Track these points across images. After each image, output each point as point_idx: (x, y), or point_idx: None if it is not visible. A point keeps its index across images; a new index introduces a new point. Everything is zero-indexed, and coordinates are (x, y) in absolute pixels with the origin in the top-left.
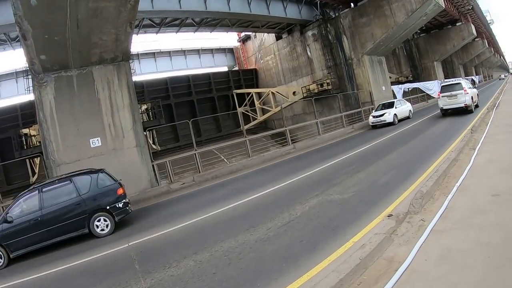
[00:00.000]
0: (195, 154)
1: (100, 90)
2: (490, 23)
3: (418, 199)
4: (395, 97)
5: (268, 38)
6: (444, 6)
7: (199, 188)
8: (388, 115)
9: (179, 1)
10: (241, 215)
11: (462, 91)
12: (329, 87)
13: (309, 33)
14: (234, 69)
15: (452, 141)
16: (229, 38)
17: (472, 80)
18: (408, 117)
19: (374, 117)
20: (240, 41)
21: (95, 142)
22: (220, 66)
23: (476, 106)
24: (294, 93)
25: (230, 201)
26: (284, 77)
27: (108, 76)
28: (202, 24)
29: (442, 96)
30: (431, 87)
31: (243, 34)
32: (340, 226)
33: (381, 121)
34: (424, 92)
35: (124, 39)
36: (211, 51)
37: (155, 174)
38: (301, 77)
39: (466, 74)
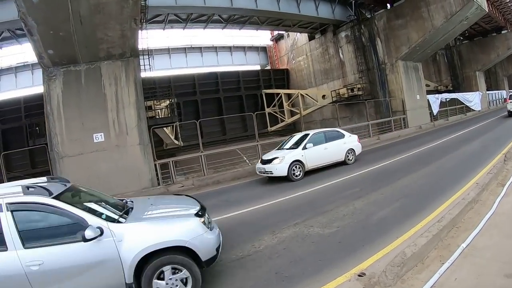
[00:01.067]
0: (200, 156)
1: (107, 86)
2: None
3: (395, 267)
4: (430, 108)
5: (301, 38)
6: (487, 10)
7: (195, 193)
8: (279, 164)
9: None
10: None
11: None
12: (360, 92)
13: (342, 34)
14: (266, 68)
15: (480, 169)
16: (262, 37)
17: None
18: (343, 162)
19: (262, 162)
20: (273, 40)
21: (98, 137)
22: (252, 64)
23: None
24: (323, 96)
25: (213, 214)
26: (315, 79)
27: (115, 72)
28: (230, 21)
29: (510, 102)
30: (471, 98)
31: (276, 33)
32: (294, 277)
33: (266, 172)
34: (463, 104)
35: (130, 35)
36: (243, 48)
37: (157, 174)
38: (332, 80)
39: (511, 87)
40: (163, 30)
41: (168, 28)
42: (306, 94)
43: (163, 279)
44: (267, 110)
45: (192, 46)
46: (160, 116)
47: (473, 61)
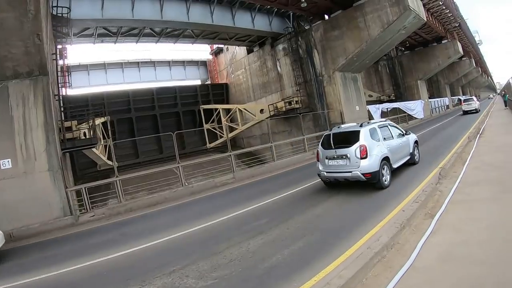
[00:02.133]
0: (116, 181)
1: (15, 107)
2: (478, 43)
3: None
4: (371, 118)
5: (239, 51)
6: (425, 20)
7: (103, 224)
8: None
9: (132, 10)
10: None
11: (475, 100)
12: (298, 105)
13: (280, 46)
14: (206, 83)
15: (409, 190)
16: (202, 51)
17: (459, 99)
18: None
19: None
20: (212, 54)
21: (6, 163)
22: (192, 79)
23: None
24: (261, 111)
25: (103, 252)
26: (254, 93)
27: (23, 92)
28: (163, 35)
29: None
30: (414, 107)
31: (215, 46)
32: None
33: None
34: (405, 112)
35: (35, 52)
36: (183, 63)
37: (69, 202)
38: (271, 93)
39: (453, 94)
40: (94, 44)
41: (98, 42)
42: (244, 109)
43: None
44: (206, 126)
45: (129, 61)
46: (88, 137)
47: (415, 70)
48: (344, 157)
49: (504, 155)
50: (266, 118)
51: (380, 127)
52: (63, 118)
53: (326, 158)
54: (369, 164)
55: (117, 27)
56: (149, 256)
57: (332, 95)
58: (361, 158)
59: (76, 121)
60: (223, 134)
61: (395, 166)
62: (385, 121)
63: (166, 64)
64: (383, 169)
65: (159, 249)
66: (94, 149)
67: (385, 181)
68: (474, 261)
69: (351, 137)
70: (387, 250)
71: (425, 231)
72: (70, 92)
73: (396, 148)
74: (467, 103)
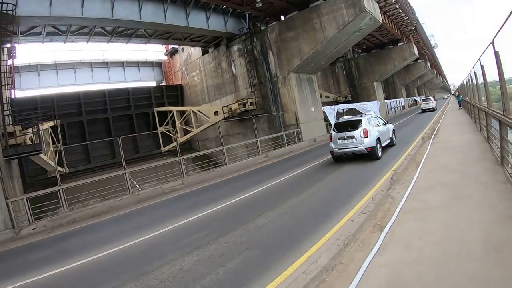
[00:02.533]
0: (59, 190)
1: None
2: (434, 46)
3: None
4: (326, 119)
5: (194, 52)
6: (381, 22)
7: (44, 238)
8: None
9: (81, 7)
10: None
11: (432, 100)
12: (252, 107)
13: (235, 47)
14: (161, 84)
15: (356, 200)
16: (157, 51)
17: (414, 100)
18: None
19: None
20: (167, 54)
21: None
22: (147, 80)
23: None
24: (215, 113)
25: (34, 272)
26: (208, 95)
27: None
28: (114, 34)
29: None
30: (370, 107)
31: (170, 47)
32: None
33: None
34: (362, 113)
35: None
36: (137, 64)
37: (10, 214)
38: (225, 95)
39: (408, 95)
40: (42, 43)
41: (47, 42)
42: (199, 111)
43: None
44: (160, 129)
45: (81, 61)
46: (35, 142)
47: (371, 72)
48: (352, 137)
49: (460, 156)
50: (220, 121)
51: (372, 117)
52: (5, 123)
53: (338, 139)
54: (370, 142)
55: (66, 26)
56: (80, 276)
57: (287, 97)
58: (364, 138)
59: (20, 126)
60: (178, 137)
61: (383, 145)
62: (374, 114)
63: (120, 65)
64: (377, 145)
65: (91, 268)
66: (42, 155)
67: (379, 154)
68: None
69: (355, 124)
70: (328, 272)
71: (373, 247)
72: (20, 94)
73: (383, 132)
74: (425, 102)
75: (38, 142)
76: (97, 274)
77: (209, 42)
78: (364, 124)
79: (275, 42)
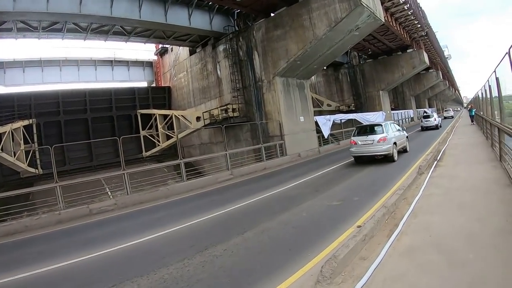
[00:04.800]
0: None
1: None
2: (447, 57)
3: None
4: (318, 131)
5: (183, 52)
6: (383, 20)
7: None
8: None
9: (47, 2)
10: None
11: (435, 116)
12: (235, 114)
13: (221, 47)
14: (152, 85)
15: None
16: (149, 50)
17: (425, 112)
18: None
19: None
20: (157, 54)
21: None
22: (136, 81)
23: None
24: (197, 118)
25: None
26: (194, 99)
27: None
28: (90, 31)
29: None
30: (373, 118)
31: (160, 46)
32: None
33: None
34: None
35: None
36: (127, 63)
37: None
38: (210, 100)
39: (419, 106)
40: (16, 40)
41: (20, 38)
42: (181, 116)
43: None
44: (142, 133)
45: (68, 58)
46: None
47: (377, 80)
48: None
49: (469, 214)
50: (202, 127)
51: (390, 123)
52: None
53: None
54: (387, 147)
55: (37, 21)
56: None
57: (271, 104)
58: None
59: None
60: (160, 143)
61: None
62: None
63: (109, 63)
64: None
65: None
66: (5, 155)
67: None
68: None
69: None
70: None
71: None
72: (5, 90)
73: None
74: (426, 119)
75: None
76: None
77: (196, 41)
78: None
79: (261, 42)
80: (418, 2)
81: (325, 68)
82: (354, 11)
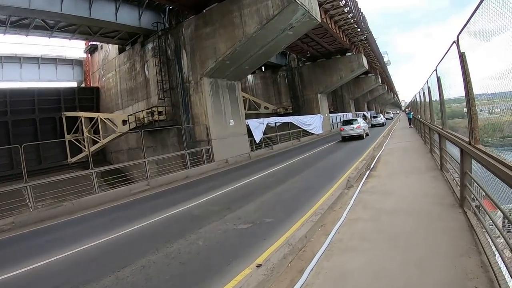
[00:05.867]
0: None
1: None
2: (387, 64)
3: None
4: (250, 135)
5: (112, 50)
6: (319, 20)
7: None
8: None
9: None
10: None
11: (382, 116)
12: (161, 117)
13: (149, 46)
14: (76, 86)
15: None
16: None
17: (364, 115)
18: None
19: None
20: (86, 52)
21: None
22: (65, 80)
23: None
24: (124, 122)
25: None
26: (122, 100)
27: None
28: (9, 24)
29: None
30: (311, 122)
31: (90, 43)
32: None
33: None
34: (300, 128)
35: None
36: (55, 61)
37: None
38: (137, 102)
39: (358, 109)
40: None
41: None
42: (107, 119)
43: None
44: (67, 137)
45: None
46: None
47: (315, 83)
48: (352, 128)
49: (405, 254)
50: (128, 132)
51: (360, 119)
52: None
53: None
54: (362, 130)
55: None
56: None
57: (198, 106)
58: (359, 128)
59: None
60: (85, 148)
61: (365, 132)
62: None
63: (35, 61)
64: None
65: None
66: None
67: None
68: None
69: (354, 120)
70: None
71: None
72: None
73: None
74: (375, 118)
75: None
76: None
77: (126, 39)
78: (359, 121)
79: (190, 40)
80: (359, 7)
81: (263, 70)
82: (287, 8)
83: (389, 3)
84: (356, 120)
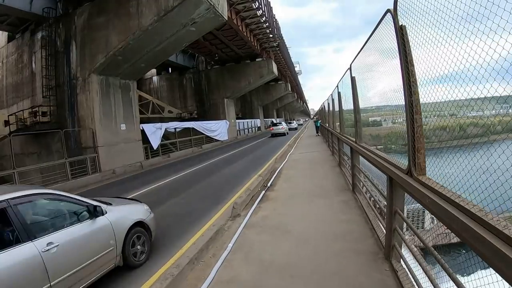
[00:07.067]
0: None
1: None
2: (298, 73)
3: None
4: (146, 141)
5: (1, 38)
6: (226, 18)
7: None
8: (283, 128)
9: None
10: None
11: (284, 125)
12: (44, 118)
13: (39, 35)
14: None
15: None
16: None
17: (272, 122)
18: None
19: (274, 127)
20: None
21: None
22: None
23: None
24: (5, 123)
25: None
26: (7, 97)
27: None
28: None
29: (273, 127)
30: (215, 128)
31: None
32: None
33: (279, 132)
34: (203, 134)
35: None
36: None
37: None
38: (23, 99)
39: (266, 116)
40: None
41: None
42: None
43: None
44: None
45: None
46: None
47: (223, 87)
48: (279, 128)
49: None
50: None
51: (284, 122)
52: None
53: (274, 128)
54: (285, 130)
55: None
56: None
57: (85, 107)
58: (283, 129)
59: None
60: None
61: (286, 131)
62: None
63: None
64: (286, 131)
65: None
66: None
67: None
68: None
69: (279, 123)
70: None
71: None
72: None
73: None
74: (276, 126)
75: None
76: None
77: (17, 25)
78: (283, 125)
79: (81, 30)
80: (273, 13)
81: (169, 71)
82: (189, 0)
83: (304, 17)
84: (281, 123)
